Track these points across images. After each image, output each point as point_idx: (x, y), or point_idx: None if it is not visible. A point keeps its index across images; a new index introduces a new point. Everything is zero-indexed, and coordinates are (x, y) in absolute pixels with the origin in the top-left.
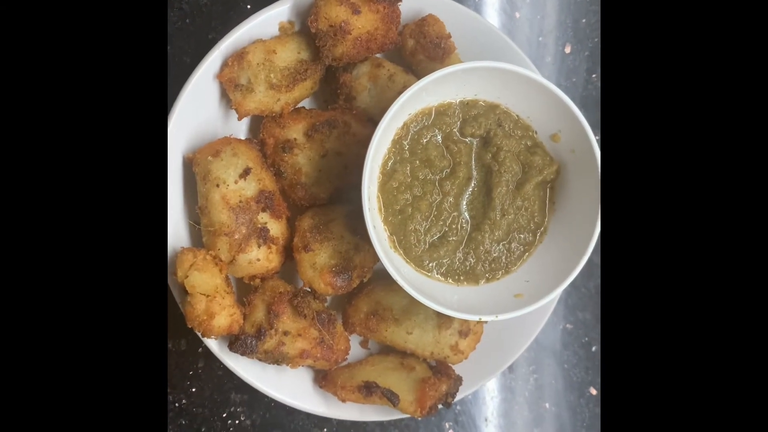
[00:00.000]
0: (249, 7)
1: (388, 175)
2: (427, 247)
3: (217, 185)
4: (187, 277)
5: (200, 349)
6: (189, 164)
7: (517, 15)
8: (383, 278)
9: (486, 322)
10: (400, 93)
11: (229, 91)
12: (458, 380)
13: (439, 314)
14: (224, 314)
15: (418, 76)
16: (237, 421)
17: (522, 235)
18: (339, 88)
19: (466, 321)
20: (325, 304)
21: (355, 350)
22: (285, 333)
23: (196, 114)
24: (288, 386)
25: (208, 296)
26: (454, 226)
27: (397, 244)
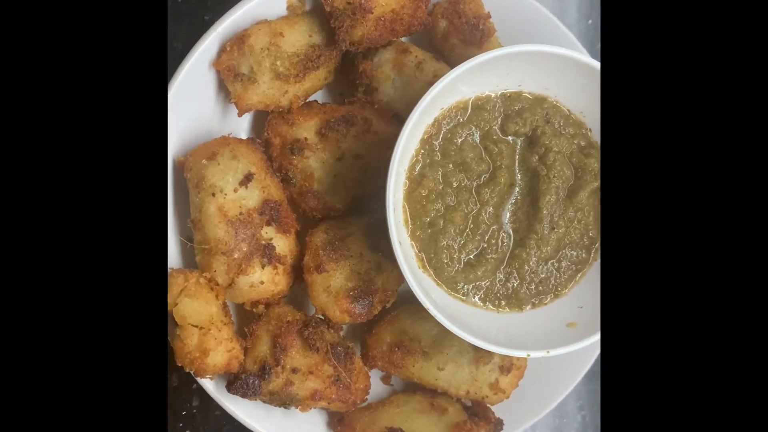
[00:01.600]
0: None
1: (416, 182)
2: (461, 266)
3: (213, 194)
4: (176, 305)
5: (195, 386)
6: (180, 169)
7: None
8: (409, 303)
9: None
10: (430, 84)
11: (228, 81)
12: (499, 424)
13: (476, 347)
14: (221, 350)
15: (452, 63)
16: None
17: (574, 252)
18: (358, 79)
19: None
20: (341, 335)
21: (376, 387)
22: (294, 370)
23: (188, 109)
24: None
25: (201, 328)
26: (493, 242)
27: (426, 263)
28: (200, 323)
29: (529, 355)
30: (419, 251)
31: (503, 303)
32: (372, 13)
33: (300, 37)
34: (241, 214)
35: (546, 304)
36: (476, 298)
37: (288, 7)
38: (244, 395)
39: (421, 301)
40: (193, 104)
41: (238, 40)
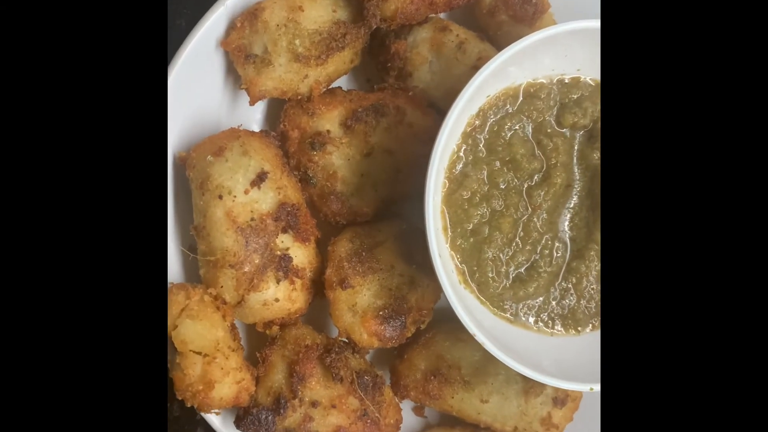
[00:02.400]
0: None
1: (456, 182)
2: (509, 281)
3: (220, 196)
4: (176, 327)
5: (198, 417)
6: (182, 167)
7: None
8: (448, 323)
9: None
10: (473, 68)
11: (238, 64)
12: None
13: (525, 377)
14: (228, 381)
15: (499, 44)
16: None
17: None
18: (389, 61)
19: None
20: (368, 361)
21: (408, 420)
22: (314, 404)
23: (191, 97)
24: None
25: (205, 356)
26: (547, 253)
27: (468, 277)
28: (204, 349)
29: (592, 390)
30: (460, 263)
31: (558, 324)
32: None
33: (322, 12)
34: (252, 219)
35: None
36: (527, 318)
37: None
38: None
39: (464, 323)
40: (197, 91)
41: (250, 16)
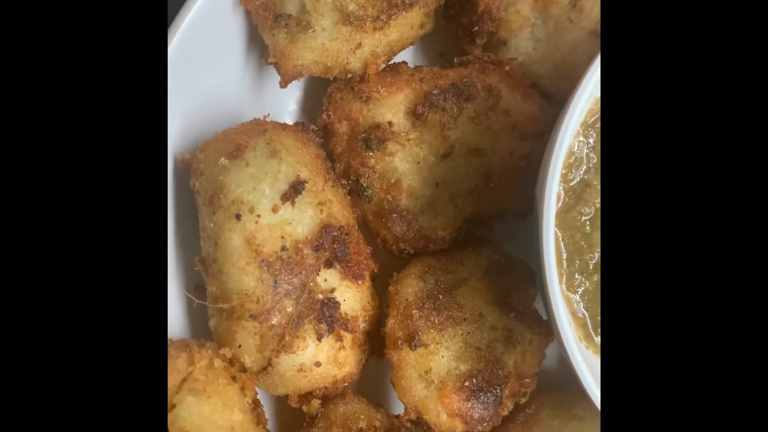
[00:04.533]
0: None
1: (574, 195)
2: None
3: (239, 216)
4: (174, 407)
5: None
6: (185, 174)
7: None
8: (556, 390)
9: None
10: (595, 33)
11: (264, 28)
12: None
13: None
14: None
15: None
16: None
17: None
18: (476, 24)
19: None
20: None
21: None
22: None
23: (198, 75)
24: None
25: None
26: None
27: (592, 330)
28: None
29: None
30: (584, 310)
31: None
32: None
33: None
34: (284, 249)
35: None
36: None
37: None
38: None
39: (591, 395)
40: (207, 67)
41: None
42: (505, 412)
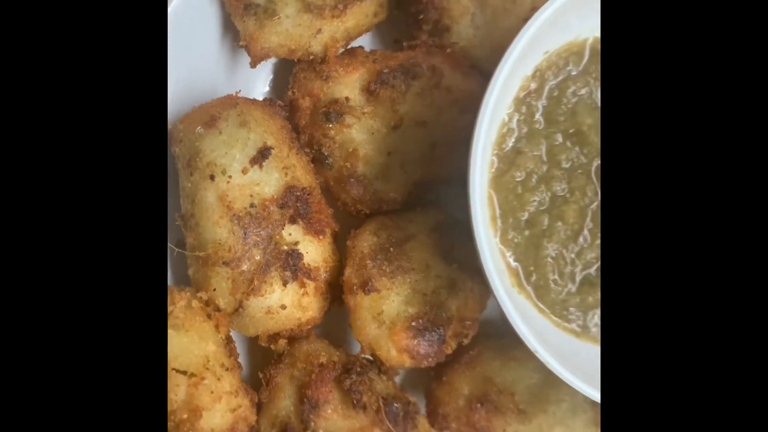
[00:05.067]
0: None
1: (507, 161)
2: (575, 285)
3: (213, 177)
4: None
5: None
6: (167, 141)
7: None
8: (497, 337)
9: None
10: (526, 19)
11: (236, 15)
12: None
13: (595, 402)
14: (220, 408)
15: None
16: None
17: None
18: (422, 13)
19: None
20: (398, 384)
21: None
22: None
23: (178, 57)
24: None
25: (192, 376)
26: None
27: (523, 279)
28: (190, 368)
29: None
30: (513, 262)
31: None
32: None
33: None
34: (252, 206)
35: None
36: (598, 331)
37: None
38: None
39: (522, 336)
40: (186, 50)
41: None
42: (449, 351)
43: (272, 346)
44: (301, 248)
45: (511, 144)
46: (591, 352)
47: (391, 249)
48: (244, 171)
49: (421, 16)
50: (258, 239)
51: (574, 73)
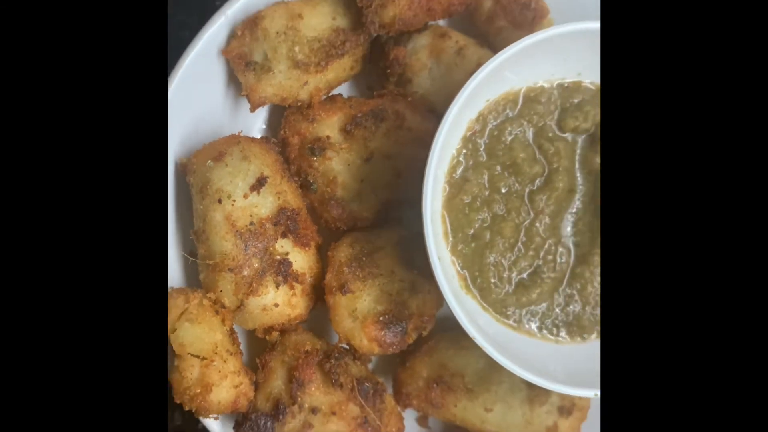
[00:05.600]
0: None
1: (457, 187)
2: (512, 287)
3: (220, 200)
4: (174, 330)
5: (200, 425)
6: (183, 172)
7: None
8: (450, 330)
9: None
10: (472, 73)
11: (239, 71)
12: None
13: (530, 383)
14: (226, 384)
15: (498, 50)
16: None
17: None
18: (389, 68)
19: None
20: (370, 368)
21: (411, 430)
22: (313, 410)
23: (193, 104)
24: None
25: (203, 359)
26: (550, 258)
27: (470, 282)
28: (202, 353)
29: (596, 395)
30: (462, 269)
31: (563, 331)
32: None
33: (322, 20)
34: (251, 224)
35: None
36: (530, 325)
37: None
38: None
39: (465, 328)
40: (199, 98)
41: (251, 24)
42: (410, 341)
43: (267, 337)
44: (290, 258)
45: (459, 173)
46: (525, 342)
47: (364, 258)
48: (245, 196)
49: (389, 70)
50: (256, 250)
51: (510, 116)
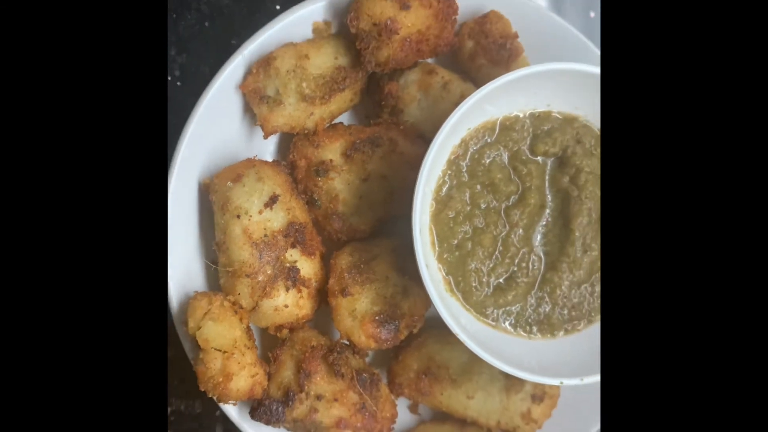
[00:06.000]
0: (278, 7)
1: (442, 203)
2: (491, 290)
3: (238, 216)
4: (200, 328)
5: (218, 413)
6: (206, 192)
7: (592, 14)
8: (437, 328)
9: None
10: (457, 104)
11: (254, 104)
12: None
13: (507, 374)
14: (244, 374)
15: (479, 84)
16: None
17: None
18: (384, 100)
19: (540, 383)
20: (367, 361)
21: (404, 417)
22: (318, 397)
23: (214, 132)
24: None
25: (224, 352)
26: (524, 265)
27: (454, 286)
28: (224, 347)
29: (562, 383)
30: (447, 274)
31: (535, 329)
32: (398, 34)
33: (326, 59)
34: (265, 236)
35: (579, 330)
36: (506, 323)
37: (314, 30)
38: (267, 422)
39: (450, 326)
40: (220, 127)
41: (264, 63)
42: (402, 337)
43: (278, 334)
44: (298, 265)
45: (445, 191)
46: (502, 338)
47: (362, 265)
48: (260, 212)
49: (383, 102)
50: (269, 259)
51: (489, 141)
